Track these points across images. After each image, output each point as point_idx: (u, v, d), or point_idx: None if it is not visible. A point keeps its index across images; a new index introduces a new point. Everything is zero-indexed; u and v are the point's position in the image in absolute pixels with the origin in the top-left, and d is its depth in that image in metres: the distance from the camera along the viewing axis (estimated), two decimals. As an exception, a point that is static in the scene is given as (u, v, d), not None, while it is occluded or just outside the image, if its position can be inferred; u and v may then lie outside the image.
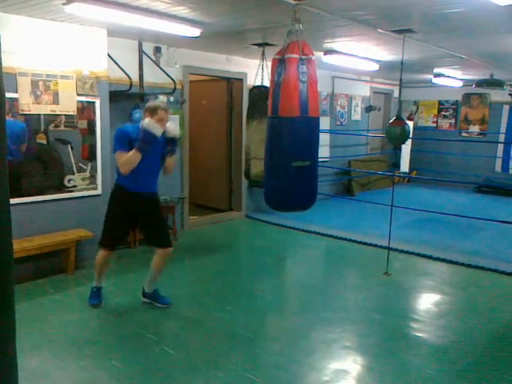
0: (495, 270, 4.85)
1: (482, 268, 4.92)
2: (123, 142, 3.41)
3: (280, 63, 3.37)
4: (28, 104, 4.19)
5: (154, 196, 3.70)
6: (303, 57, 3.35)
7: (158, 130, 3.38)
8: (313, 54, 3.47)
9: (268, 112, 3.53)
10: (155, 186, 3.70)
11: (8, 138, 4.16)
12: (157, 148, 3.51)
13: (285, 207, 3.86)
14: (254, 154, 5.65)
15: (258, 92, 5.63)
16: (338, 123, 8.97)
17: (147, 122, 3.38)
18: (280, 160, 3.48)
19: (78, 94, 4.54)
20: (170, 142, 3.58)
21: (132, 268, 4.68)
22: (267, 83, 5.75)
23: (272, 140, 3.55)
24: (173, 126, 3.57)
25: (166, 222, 3.82)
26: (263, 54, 5.59)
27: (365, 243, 5.78)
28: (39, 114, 4.28)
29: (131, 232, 3.97)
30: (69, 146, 4.54)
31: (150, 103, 3.59)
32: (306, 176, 3.50)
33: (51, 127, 4.38)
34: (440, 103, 10.66)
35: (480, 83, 7.21)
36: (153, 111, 3.43)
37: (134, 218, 3.68)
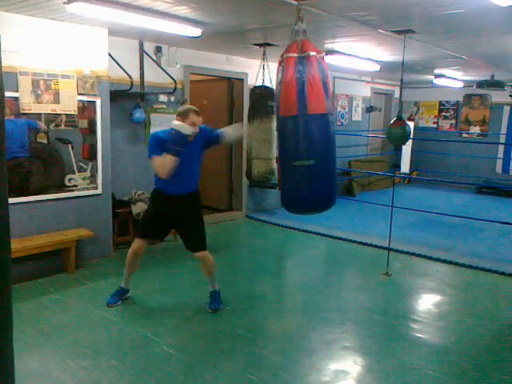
0: (495, 271, 4.85)
1: (482, 269, 4.92)
2: (156, 146, 3.39)
3: (281, 64, 3.36)
4: (29, 103, 4.19)
5: (191, 196, 3.68)
6: (302, 54, 3.34)
7: (187, 130, 3.37)
8: (316, 51, 3.43)
9: (279, 112, 3.50)
10: (194, 185, 3.71)
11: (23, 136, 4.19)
12: (191, 149, 3.49)
13: (297, 209, 3.75)
14: (255, 154, 5.66)
15: (260, 92, 5.63)
16: (339, 123, 8.96)
17: (176, 124, 3.39)
18: (284, 160, 3.46)
19: (79, 94, 4.54)
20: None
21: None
22: (268, 83, 5.78)
23: (278, 140, 3.56)
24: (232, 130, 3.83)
25: (202, 224, 3.74)
26: (264, 54, 5.59)
27: (365, 243, 5.78)
28: (40, 114, 4.28)
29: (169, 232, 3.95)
30: (69, 146, 4.54)
31: (182, 107, 3.62)
32: (309, 175, 3.45)
33: (52, 126, 4.38)
34: (441, 104, 10.66)
35: (481, 84, 7.20)
36: (184, 115, 3.43)
37: (170, 219, 3.66)
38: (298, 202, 3.57)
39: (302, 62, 3.32)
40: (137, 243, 3.73)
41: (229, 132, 3.77)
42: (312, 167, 3.41)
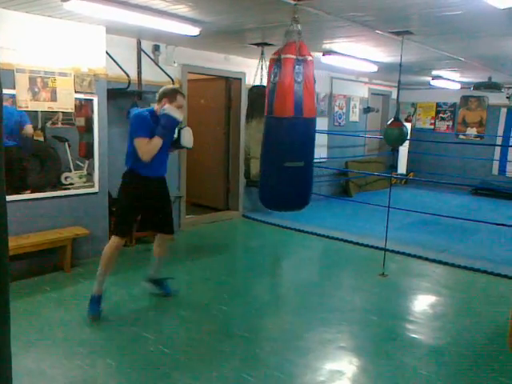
0: (491, 273, 4.86)
1: (478, 270, 4.93)
2: (144, 127, 3.30)
3: (276, 63, 3.38)
4: (26, 100, 4.18)
5: (164, 180, 3.70)
6: (300, 57, 3.35)
7: (178, 115, 3.33)
8: (310, 55, 3.48)
9: (264, 112, 3.55)
10: (165, 170, 3.70)
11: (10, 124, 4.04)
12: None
13: (278, 206, 3.90)
14: (253, 154, 5.66)
15: (258, 92, 5.63)
16: (336, 124, 8.97)
17: (169, 108, 3.31)
18: (273, 160, 3.50)
19: (76, 92, 4.53)
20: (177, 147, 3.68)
21: (129, 266, 4.67)
22: (266, 83, 5.78)
23: (266, 140, 3.58)
24: (190, 135, 3.67)
25: (171, 210, 3.84)
26: (262, 53, 5.59)
27: (361, 244, 5.79)
28: (37, 111, 4.27)
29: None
30: (66, 144, 4.53)
31: (167, 88, 3.50)
32: (298, 176, 3.52)
33: (49, 124, 4.36)
34: (438, 105, 10.68)
35: (478, 86, 7.22)
36: (172, 97, 3.35)
37: (144, 203, 3.60)
38: (284, 201, 3.65)
39: (300, 64, 3.34)
40: (118, 242, 3.52)
41: (185, 138, 3.66)
42: (301, 168, 3.47)
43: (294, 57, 3.32)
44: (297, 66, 3.33)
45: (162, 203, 3.73)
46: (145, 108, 3.52)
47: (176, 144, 3.65)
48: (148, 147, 3.30)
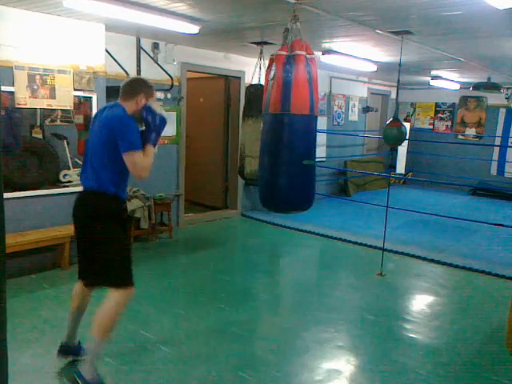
0: (488, 273, 4.87)
1: (476, 270, 4.94)
2: (138, 135, 2.48)
3: (288, 60, 3.34)
4: (24, 98, 4.17)
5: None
6: (308, 55, 3.36)
7: (164, 114, 2.63)
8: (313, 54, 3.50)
9: (273, 109, 3.46)
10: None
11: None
12: None
13: (293, 207, 3.75)
14: (248, 152, 5.65)
15: (255, 90, 5.63)
16: (335, 123, 8.97)
17: (156, 106, 2.61)
18: (291, 159, 3.44)
19: (75, 89, 4.52)
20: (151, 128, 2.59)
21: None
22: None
23: (281, 138, 3.45)
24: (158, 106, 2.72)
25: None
26: (261, 52, 5.58)
27: (359, 244, 5.79)
28: (35, 109, 4.26)
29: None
30: (65, 141, 4.52)
31: (139, 80, 2.73)
32: (311, 174, 3.52)
33: (47, 122, 4.36)
34: (437, 105, 10.69)
35: (477, 86, 7.22)
36: (150, 91, 2.62)
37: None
38: (303, 199, 3.58)
39: (309, 62, 3.36)
40: (130, 292, 2.67)
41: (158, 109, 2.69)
42: (311, 166, 3.48)
43: (304, 54, 3.33)
44: (307, 64, 3.34)
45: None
46: (108, 106, 2.63)
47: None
48: (147, 161, 2.50)
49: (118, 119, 2.49)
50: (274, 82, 3.40)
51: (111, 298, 2.59)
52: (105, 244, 2.62)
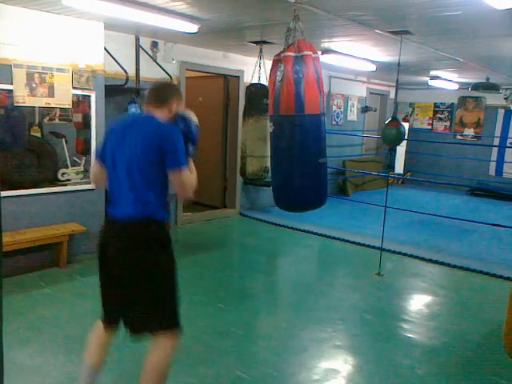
0: (486, 273, 4.88)
1: (474, 270, 4.95)
2: (184, 150, 2.20)
3: (296, 60, 3.34)
4: (23, 96, 4.16)
5: None
6: (313, 55, 3.37)
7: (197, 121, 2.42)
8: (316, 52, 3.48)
9: (285, 111, 3.40)
10: None
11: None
12: None
13: (308, 206, 3.71)
14: (249, 152, 5.65)
15: (256, 90, 5.63)
16: (334, 123, 8.98)
17: (190, 113, 2.36)
18: (307, 158, 3.44)
19: (74, 88, 4.51)
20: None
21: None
22: (264, 81, 5.76)
23: (297, 138, 3.42)
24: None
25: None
26: (261, 51, 5.58)
27: (358, 243, 5.80)
28: (34, 107, 4.25)
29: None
30: (63, 140, 4.51)
31: (168, 83, 2.58)
32: (326, 171, 3.54)
33: (46, 120, 4.35)
34: (435, 106, 10.70)
35: (476, 86, 7.23)
36: (180, 95, 2.36)
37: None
38: (320, 197, 3.58)
39: (315, 62, 3.37)
40: (178, 338, 2.34)
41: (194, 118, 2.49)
42: (325, 164, 3.50)
43: (311, 54, 3.33)
44: (314, 63, 3.36)
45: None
46: (137, 117, 2.47)
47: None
48: (194, 178, 2.28)
49: (169, 132, 2.16)
50: (283, 83, 3.36)
51: (160, 347, 2.20)
52: (157, 280, 2.20)
